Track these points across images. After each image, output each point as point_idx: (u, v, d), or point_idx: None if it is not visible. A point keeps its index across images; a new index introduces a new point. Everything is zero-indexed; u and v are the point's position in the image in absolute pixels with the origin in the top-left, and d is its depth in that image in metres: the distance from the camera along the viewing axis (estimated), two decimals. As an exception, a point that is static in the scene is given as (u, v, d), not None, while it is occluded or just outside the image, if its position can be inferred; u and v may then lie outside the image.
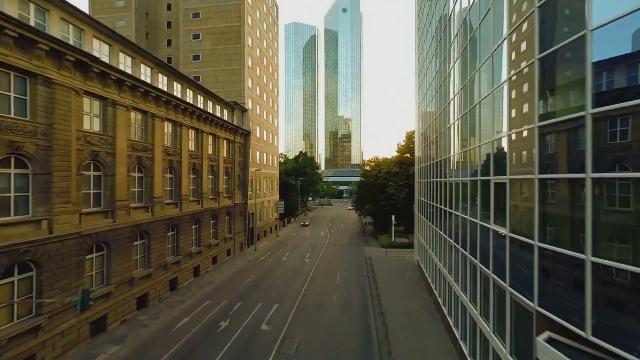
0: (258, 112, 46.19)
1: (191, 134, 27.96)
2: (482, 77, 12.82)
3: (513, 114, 10.22)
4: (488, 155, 12.15)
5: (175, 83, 26.35)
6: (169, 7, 48.14)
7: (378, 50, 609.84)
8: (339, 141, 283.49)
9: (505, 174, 10.53)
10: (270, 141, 52.81)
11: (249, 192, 41.69)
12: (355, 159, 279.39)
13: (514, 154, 10.28)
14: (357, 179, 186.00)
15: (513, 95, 10.16)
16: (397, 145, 55.57)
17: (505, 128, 10.66)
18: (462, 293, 15.69)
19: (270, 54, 53.30)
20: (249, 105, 42.14)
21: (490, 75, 11.96)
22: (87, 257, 17.13)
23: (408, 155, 48.75)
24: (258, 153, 46.01)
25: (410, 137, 50.61)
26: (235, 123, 37.30)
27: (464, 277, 15.40)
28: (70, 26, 16.99)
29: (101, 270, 18.20)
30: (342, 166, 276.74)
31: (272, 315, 20.64)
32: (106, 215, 18.47)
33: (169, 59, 47.56)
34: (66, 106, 15.64)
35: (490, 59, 11.81)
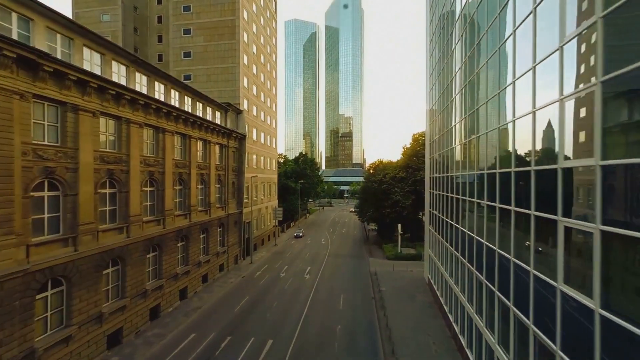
0: (255, 113, 43.09)
1: (176, 140, 24.90)
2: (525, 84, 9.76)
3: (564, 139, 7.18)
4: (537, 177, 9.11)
5: (157, 83, 23.25)
6: (159, 0, 44.94)
7: (380, 48, 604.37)
8: (340, 140, 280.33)
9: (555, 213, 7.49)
10: (268, 144, 49.73)
11: (245, 200, 38.69)
12: (356, 158, 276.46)
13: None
14: (359, 179, 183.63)
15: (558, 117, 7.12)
16: (403, 148, 52.48)
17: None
18: (488, 333, 12.73)
19: (269, 51, 50.11)
20: (244, 106, 39.04)
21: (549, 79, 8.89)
22: (40, 296, 14.16)
23: (415, 159, 45.67)
24: (255, 157, 42.96)
25: (417, 139, 47.51)
26: (228, 126, 34.23)
27: (489, 312, 12.42)
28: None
29: (60, 308, 15.21)
30: (343, 165, 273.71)
31: (266, 357, 17.66)
32: (65, 243, 15.44)
33: (160, 57, 44.46)
34: (8, 114, 12.60)
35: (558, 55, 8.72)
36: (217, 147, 31.81)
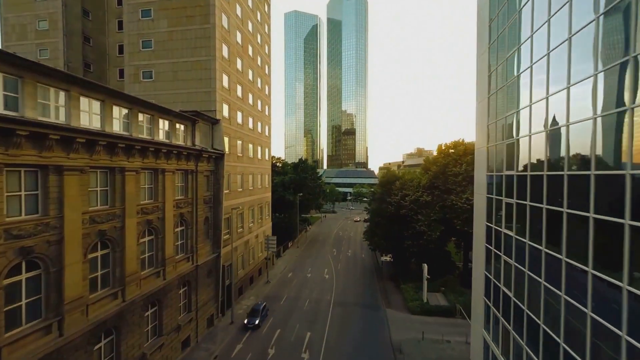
0: (240, 120, 33.60)
1: (94, 179, 15.54)
2: None
3: None
4: None
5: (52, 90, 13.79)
6: (119, -25, 35.18)
7: (387, 42, 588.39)
8: (342, 137, 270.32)
9: None
10: (259, 157, 40.32)
11: (225, 236, 29.47)
12: (359, 156, 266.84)
13: None
14: (363, 180, 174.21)
15: None
16: (423, 161, 42.95)
17: None
18: None
19: (259, 41, 40.41)
20: (224, 113, 29.57)
21: None
22: None
23: (442, 176, 36.10)
24: (240, 177, 33.59)
25: (446, 152, 37.89)
26: (198, 143, 24.80)
27: None
28: None
29: None
30: (346, 163, 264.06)
31: None
32: None
33: (121, 48, 34.84)
34: None
35: None
36: (178, 176, 22.44)
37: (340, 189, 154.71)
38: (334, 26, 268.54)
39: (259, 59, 40.13)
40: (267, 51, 43.69)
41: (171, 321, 21.17)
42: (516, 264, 15.26)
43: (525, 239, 14.26)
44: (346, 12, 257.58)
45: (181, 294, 22.82)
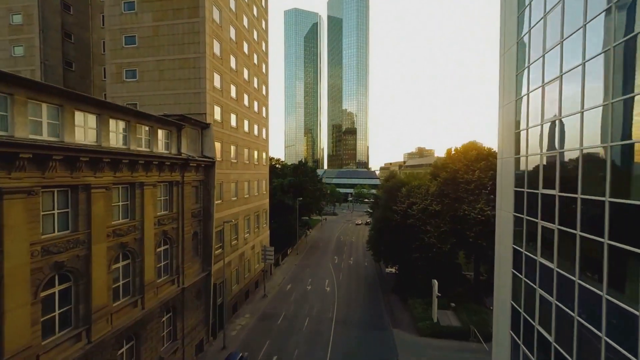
0: (234, 124, 30.95)
1: (48, 200, 12.91)
2: None
3: None
4: None
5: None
6: (103, -34, 32.45)
7: (388, 40, 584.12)
8: (343, 136, 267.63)
9: None
10: (256, 161, 37.68)
11: (217, 251, 26.90)
12: (360, 155, 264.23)
13: None
14: (364, 181, 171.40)
15: None
16: (431, 166, 40.27)
17: None
18: None
19: (256, 38, 37.70)
20: (215, 116, 26.92)
21: None
22: None
23: (450, 184, 33.40)
24: (234, 185, 30.98)
25: (457, 157, 35.18)
26: (184, 150, 22.15)
27: None
28: None
29: None
30: (347, 163, 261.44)
31: None
32: None
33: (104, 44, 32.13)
34: None
35: None
36: (159, 190, 19.81)
37: (341, 190, 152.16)
38: (335, 24, 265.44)
39: (255, 56, 37.43)
40: (264, 48, 40.99)
41: (152, 354, 18.58)
42: (558, 304, 12.63)
43: (573, 276, 11.62)
44: (347, 9, 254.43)
45: (164, 321, 20.22)
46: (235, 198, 31.20)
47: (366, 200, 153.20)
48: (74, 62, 31.99)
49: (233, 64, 30.81)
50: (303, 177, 65.92)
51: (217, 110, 27.45)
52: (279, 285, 40.35)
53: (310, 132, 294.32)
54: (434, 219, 32.67)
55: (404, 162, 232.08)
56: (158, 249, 19.72)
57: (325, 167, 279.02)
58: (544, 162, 14.02)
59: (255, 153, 37.49)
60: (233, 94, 30.86)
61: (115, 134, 16.31)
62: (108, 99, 26.60)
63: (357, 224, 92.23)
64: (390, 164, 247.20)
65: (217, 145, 27.27)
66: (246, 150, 34.23)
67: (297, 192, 61.77)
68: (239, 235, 32.34)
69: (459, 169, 33.45)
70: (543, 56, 14.15)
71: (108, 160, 14.92)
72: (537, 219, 14.28)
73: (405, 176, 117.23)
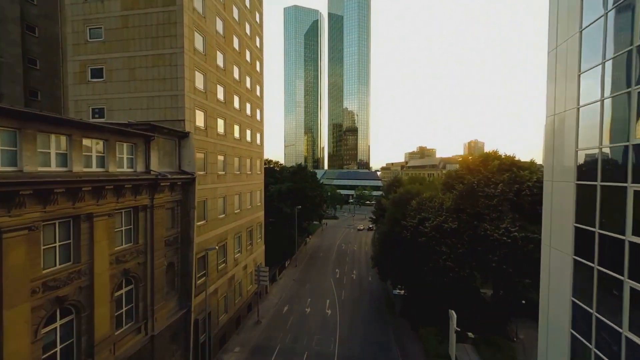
0: (221, 130, 26.93)
1: None
2: None
3: None
4: None
5: None
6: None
7: (390, 41, 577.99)
8: (344, 135, 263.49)
9: None
10: (249, 171, 33.65)
11: (200, 280, 22.97)
12: (361, 155, 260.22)
13: None
14: (365, 182, 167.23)
15: None
16: (441, 173, 36.27)
17: None
18: None
19: (248, 32, 33.60)
20: (198, 122, 22.89)
21: None
22: None
23: (468, 199, 29.32)
24: (221, 201, 27.00)
25: (473, 167, 31.10)
26: (155, 166, 18.13)
27: None
28: None
29: None
30: (348, 162, 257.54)
31: None
32: None
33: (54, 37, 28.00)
34: None
35: None
36: (118, 219, 15.81)
37: (342, 192, 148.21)
38: (336, 21, 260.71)
39: (247, 53, 33.34)
40: (258, 44, 36.87)
41: None
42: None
43: None
44: (348, 7, 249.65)
45: (126, 383, 16.28)
46: (223, 215, 27.20)
47: (367, 202, 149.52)
48: (39, 60, 27.94)
49: (220, 62, 26.74)
50: (302, 183, 61.88)
51: (200, 116, 23.39)
52: (274, 307, 36.41)
53: (311, 131, 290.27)
54: (450, 238, 28.65)
55: (406, 162, 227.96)
56: (118, 293, 15.73)
57: (326, 166, 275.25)
58: (633, 196, 10.01)
59: (248, 162, 33.46)
60: (220, 95, 26.80)
61: (50, 154, 12.30)
62: (70, 102, 22.59)
63: (359, 230, 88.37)
64: (392, 164, 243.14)
65: (200, 156, 23.26)
66: (237, 160, 30.19)
67: (296, 199, 57.80)
68: (228, 257, 28.36)
69: (478, 181, 29.40)
70: (627, 52, 10.08)
71: (29, 193, 10.90)
72: (622, 275, 10.28)
73: (408, 178, 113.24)
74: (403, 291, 36.84)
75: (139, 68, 21.70)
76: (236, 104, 30.28)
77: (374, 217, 73.60)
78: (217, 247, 22.96)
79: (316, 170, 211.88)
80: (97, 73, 22.26)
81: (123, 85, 21.90)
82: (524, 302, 29.31)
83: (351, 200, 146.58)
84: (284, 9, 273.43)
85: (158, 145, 18.74)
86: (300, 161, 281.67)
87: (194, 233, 21.37)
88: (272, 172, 62.28)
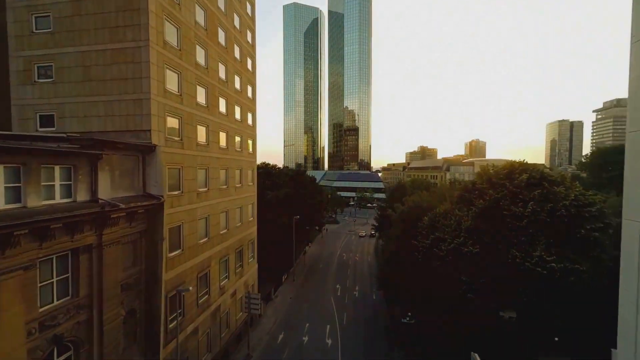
0: (202, 139, 22.83)
1: None
2: None
3: None
4: None
5: None
6: None
7: (391, 40, 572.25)
8: (344, 134, 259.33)
9: None
10: (239, 183, 29.55)
11: (171, 324, 18.91)
12: (362, 154, 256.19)
13: None
14: (366, 184, 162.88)
15: None
16: (445, 177, 32.20)
17: None
18: None
19: (237, 25, 29.46)
20: (170, 132, 18.80)
21: None
22: None
23: (488, 220, 25.22)
24: (203, 222, 22.93)
25: (496, 179, 26.92)
26: (104, 193, 14.03)
27: None
28: None
29: None
30: (348, 162, 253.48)
31: None
32: None
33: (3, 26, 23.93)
34: None
35: None
36: (48, 268, 11.74)
37: (342, 194, 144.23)
38: (336, 19, 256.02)
39: (236, 49, 29.20)
40: (249, 39, 32.72)
41: None
42: None
43: None
44: (349, 4, 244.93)
45: None
46: (205, 240, 23.13)
47: (369, 205, 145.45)
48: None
49: (201, 58, 22.61)
50: (302, 190, 57.78)
51: (173, 124, 19.29)
52: (268, 335, 32.38)
53: (311, 131, 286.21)
54: (471, 265, 24.54)
55: (408, 162, 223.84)
56: (44, 368, 11.68)
57: (326, 166, 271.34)
58: None
59: (237, 173, 29.36)
60: (201, 98, 22.69)
61: None
62: (14, 108, 18.47)
63: (360, 236, 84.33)
64: (393, 164, 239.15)
65: (174, 173, 19.18)
66: (223, 172, 26.11)
67: (294, 207, 53.71)
68: (212, 287, 24.30)
69: (503, 197, 25.28)
70: None
71: None
72: None
73: (410, 180, 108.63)
74: (413, 320, 32.71)
75: (96, 66, 17.58)
76: (222, 108, 26.16)
77: (377, 224, 69.78)
78: (190, 288, 18.86)
79: (316, 171, 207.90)
80: (45, 72, 18.15)
81: (76, 87, 17.78)
82: (557, 339, 25.21)
83: (352, 203, 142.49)
84: (284, 6, 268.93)
85: (111, 164, 14.64)
86: (300, 161, 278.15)
87: (163, 269, 17.29)
88: (269, 175, 58.23)
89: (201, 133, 22.66)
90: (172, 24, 19.01)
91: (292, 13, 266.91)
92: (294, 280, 49.44)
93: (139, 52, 17.04)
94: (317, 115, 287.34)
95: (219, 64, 25.54)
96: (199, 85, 22.26)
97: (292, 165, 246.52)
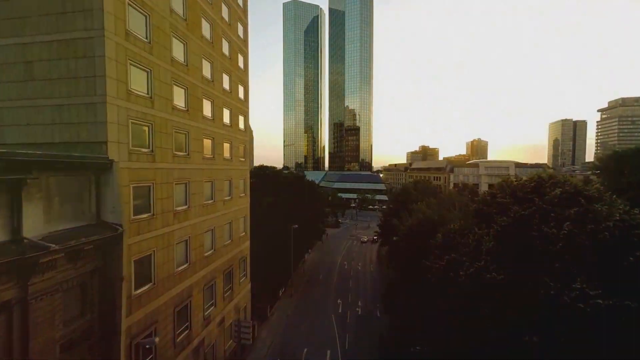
0: (181, 149, 19.40)
1: None
2: None
3: None
4: None
5: None
6: None
7: (391, 39, 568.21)
8: (345, 134, 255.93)
9: None
10: (227, 195, 26.13)
11: (140, 375, 15.49)
12: (363, 154, 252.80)
13: None
14: (368, 185, 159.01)
15: None
16: (481, 204, 28.75)
17: None
18: None
19: (226, 17, 25.99)
20: (136, 143, 15.37)
21: None
22: None
23: (515, 237, 21.74)
24: (182, 247, 19.52)
25: (522, 193, 23.38)
26: (32, 230, 10.62)
27: None
28: None
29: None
30: (349, 162, 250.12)
31: None
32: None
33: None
34: None
35: None
36: None
37: (343, 195, 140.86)
38: (337, 18, 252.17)
39: (225, 44, 25.72)
40: (241, 34, 29.23)
41: None
42: None
43: None
44: (350, 2, 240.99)
45: None
46: (184, 266, 19.72)
47: (371, 207, 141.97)
48: None
49: (179, 54, 19.16)
50: (301, 196, 54.33)
51: (141, 133, 15.86)
52: (262, 364, 29.01)
53: (311, 130, 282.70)
54: (495, 296, 21.08)
55: (410, 163, 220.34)
56: None
57: (327, 166, 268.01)
58: None
59: (226, 184, 25.94)
60: (179, 101, 19.24)
61: None
62: (-57, 114, 15.03)
63: (362, 242, 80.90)
64: (395, 165, 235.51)
65: (141, 192, 15.74)
66: (207, 186, 22.67)
67: (293, 214, 50.30)
68: (194, 320, 20.89)
69: (531, 215, 21.79)
70: None
71: None
72: None
73: (412, 181, 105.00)
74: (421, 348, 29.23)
75: (39, 61, 14.12)
76: (207, 112, 22.71)
77: (379, 230, 66.54)
78: (157, 340, 15.41)
79: (316, 172, 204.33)
80: (-22, 69, 14.70)
81: (16, 88, 14.33)
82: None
83: (353, 205, 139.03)
84: (283, 4, 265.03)
85: (46, 189, 11.20)
86: (300, 161, 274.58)
87: (123, 314, 13.88)
88: (266, 179, 54.84)
89: (179, 142, 19.22)
90: (138, 11, 15.53)
91: (292, 11, 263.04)
92: (292, 295, 46.00)
93: (91, 44, 13.58)
94: (318, 115, 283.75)
95: (203, 60, 22.07)
96: (176, 85, 18.81)
97: (292, 165, 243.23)
